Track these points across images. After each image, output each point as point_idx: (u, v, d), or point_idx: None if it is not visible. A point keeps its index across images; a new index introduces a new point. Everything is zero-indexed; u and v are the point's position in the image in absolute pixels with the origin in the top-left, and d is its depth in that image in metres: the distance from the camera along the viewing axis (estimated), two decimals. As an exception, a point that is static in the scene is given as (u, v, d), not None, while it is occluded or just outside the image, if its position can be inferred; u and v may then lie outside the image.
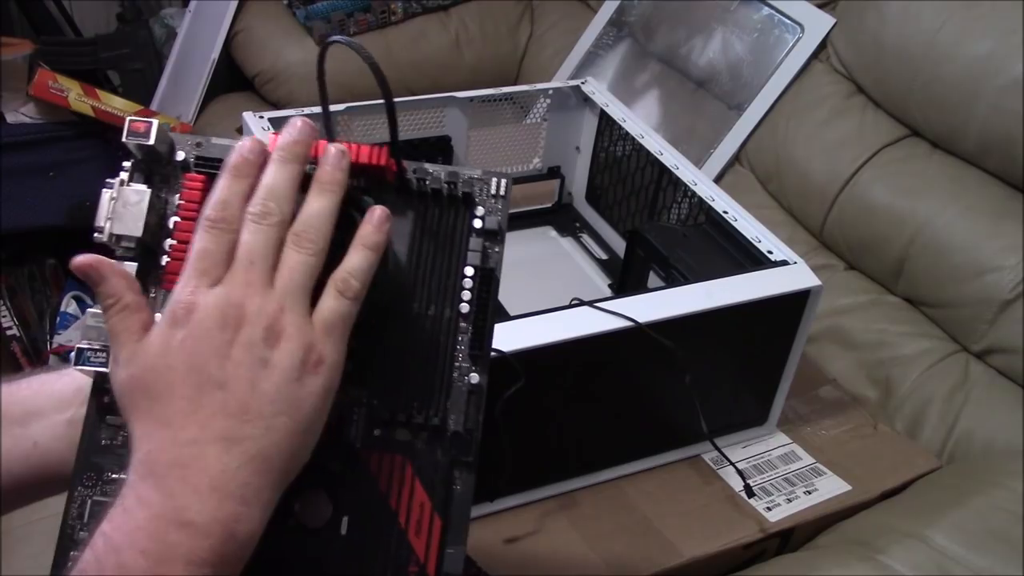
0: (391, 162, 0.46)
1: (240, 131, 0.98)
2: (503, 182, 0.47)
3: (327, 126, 0.47)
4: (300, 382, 0.41)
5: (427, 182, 0.47)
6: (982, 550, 0.73)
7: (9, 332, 1.46)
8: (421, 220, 0.47)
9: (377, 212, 0.44)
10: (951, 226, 1.04)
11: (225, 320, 0.40)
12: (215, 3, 1.64)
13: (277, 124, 0.93)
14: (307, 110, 0.97)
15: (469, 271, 0.46)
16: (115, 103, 1.50)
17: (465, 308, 0.46)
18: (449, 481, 0.46)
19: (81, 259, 0.42)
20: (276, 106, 1.55)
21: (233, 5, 1.61)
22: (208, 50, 1.62)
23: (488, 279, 0.46)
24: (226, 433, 0.39)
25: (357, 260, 0.43)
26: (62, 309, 1.48)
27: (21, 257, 1.49)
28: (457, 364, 0.46)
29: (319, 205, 0.43)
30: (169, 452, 0.39)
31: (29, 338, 1.47)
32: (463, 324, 0.46)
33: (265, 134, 0.92)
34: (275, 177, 0.43)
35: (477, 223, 0.47)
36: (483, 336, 0.46)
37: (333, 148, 0.44)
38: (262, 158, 0.44)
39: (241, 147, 0.44)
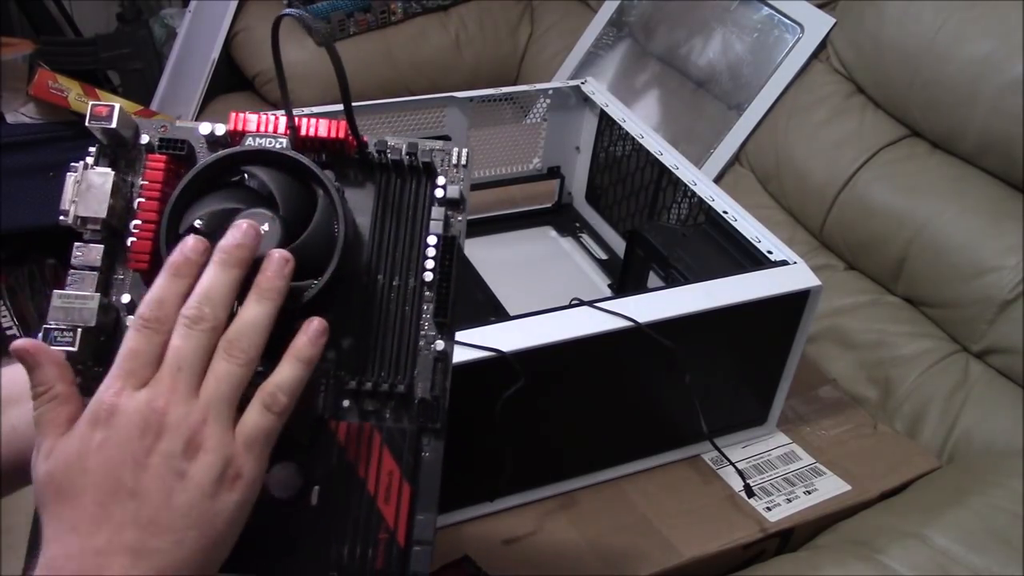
0: (350, 136, 0.46)
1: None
2: (464, 151, 0.48)
3: (286, 105, 0.47)
4: (215, 497, 0.40)
5: (388, 154, 0.47)
6: (982, 550, 0.73)
7: (9, 332, 1.46)
8: (383, 192, 0.47)
9: (314, 325, 0.43)
10: (951, 226, 1.04)
11: (146, 427, 0.39)
12: (215, 3, 1.64)
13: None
14: (307, 110, 0.97)
15: (432, 240, 0.47)
16: (115, 103, 1.50)
17: (429, 277, 0.47)
18: (418, 448, 0.46)
19: (20, 343, 0.42)
20: (276, 106, 1.55)
21: (233, 5, 1.61)
22: (208, 50, 1.62)
23: (451, 247, 0.46)
24: (134, 545, 0.38)
25: (287, 373, 0.42)
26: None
27: (21, 257, 1.49)
28: (423, 332, 0.47)
29: (255, 313, 0.42)
30: (74, 560, 0.38)
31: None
32: (428, 293, 0.47)
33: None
34: (213, 281, 0.42)
35: (439, 192, 0.47)
36: (447, 304, 0.46)
37: (277, 253, 0.43)
38: (204, 258, 0.42)
39: (183, 246, 0.42)
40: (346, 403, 0.46)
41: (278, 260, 0.43)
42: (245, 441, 0.41)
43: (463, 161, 0.48)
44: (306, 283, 0.44)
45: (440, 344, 0.46)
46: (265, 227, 0.44)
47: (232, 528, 0.41)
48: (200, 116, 1.61)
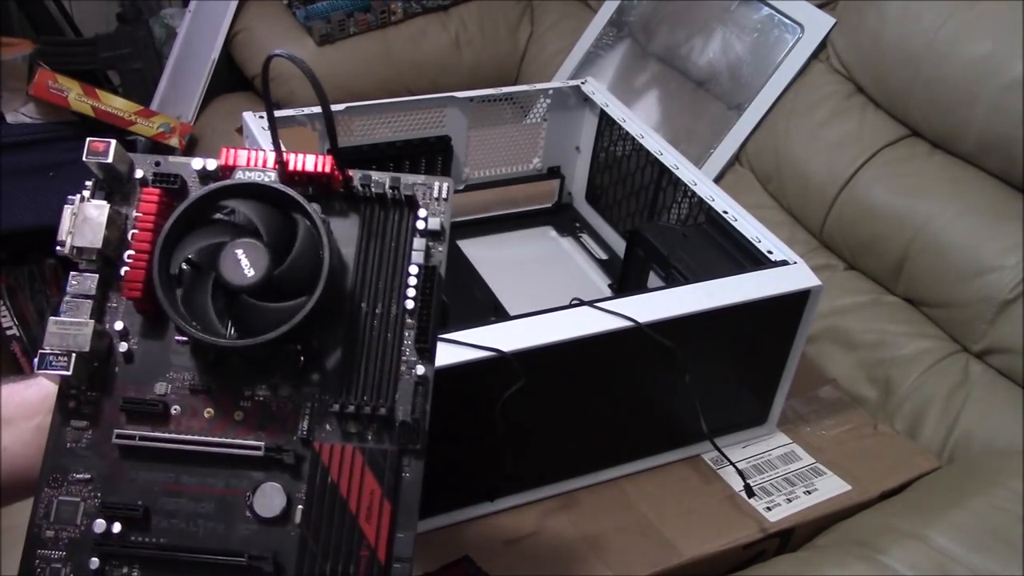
0: (336, 170, 0.48)
1: (240, 131, 0.98)
2: (444, 185, 0.50)
3: (274, 139, 0.49)
4: None
5: (372, 188, 0.49)
6: (982, 550, 0.73)
7: (9, 332, 1.46)
8: (368, 223, 0.49)
9: None
10: (951, 226, 1.04)
11: None
12: (215, 3, 1.64)
13: (277, 124, 0.93)
14: (307, 110, 0.97)
15: (414, 269, 0.49)
16: (115, 103, 1.50)
17: (410, 304, 0.48)
18: (398, 469, 0.47)
19: None
20: (276, 106, 1.55)
21: (233, 5, 1.61)
22: (208, 50, 1.62)
23: (431, 276, 0.49)
24: None
25: None
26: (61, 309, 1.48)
27: (21, 257, 1.49)
28: (404, 357, 0.48)
29: None
30: None
31: (29, 338, 1.47)
32: (409, 320, 0.48)
33: (266, 134, 0.92)
34: None
35: (420, 224, 0.49)
36: (428, 330, 0.48)
37: None
38: None
39: None
40: (329, 425, 0.48)
41: None
42: None
43: (443, 195, 0.50)
44: (294, 303, 0.45)
45: (421, 369, 0.48)
46: (251, 257, 0.45)
47: None
48: (200, 116, 1.62)
